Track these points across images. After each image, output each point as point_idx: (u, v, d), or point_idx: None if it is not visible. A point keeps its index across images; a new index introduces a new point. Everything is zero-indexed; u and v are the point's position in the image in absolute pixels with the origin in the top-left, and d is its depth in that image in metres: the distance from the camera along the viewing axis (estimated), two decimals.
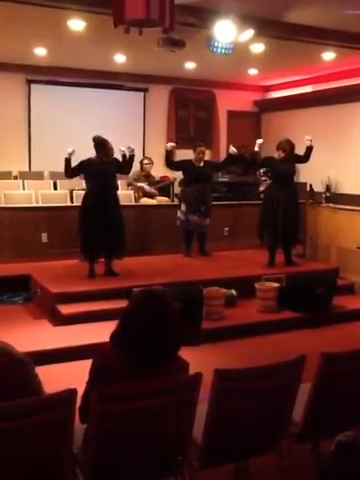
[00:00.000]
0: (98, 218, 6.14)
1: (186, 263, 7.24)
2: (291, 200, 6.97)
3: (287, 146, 6.96)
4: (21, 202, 7.90)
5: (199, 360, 3.43)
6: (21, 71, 10.06)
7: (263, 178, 9.91)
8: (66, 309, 5.50)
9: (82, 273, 6.34)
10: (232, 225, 8.44)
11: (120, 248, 6.34)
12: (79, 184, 8.17)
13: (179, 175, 8.27)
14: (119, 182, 9.21)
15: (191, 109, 11.92)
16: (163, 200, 8.99)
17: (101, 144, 6.23)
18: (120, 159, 6.45)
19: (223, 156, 10.03)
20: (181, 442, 2.55)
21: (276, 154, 7.06)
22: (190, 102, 11.84)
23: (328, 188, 9.65)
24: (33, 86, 10.40)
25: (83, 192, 6.67)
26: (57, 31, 7.23)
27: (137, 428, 2.37)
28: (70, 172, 6.41)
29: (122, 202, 6.81)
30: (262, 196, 7.88)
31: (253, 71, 10.27)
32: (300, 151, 7.10)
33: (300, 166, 8.62)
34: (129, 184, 8.92)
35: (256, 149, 7.15)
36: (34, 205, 7.99)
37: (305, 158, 7.11)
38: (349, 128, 9.89)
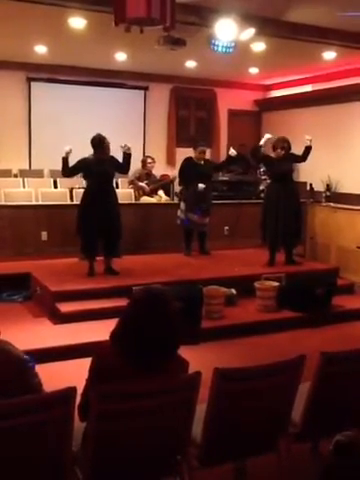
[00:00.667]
0: (97, 216, 6.14)
1: (186, 262, 7.23)
2: (292, 199, 6.99)
3: (286, 144, 6.98)
4: (21, 200, 7.90)
5: (199, 359, 3.42)
6: (21, 69, 10.05)
7: (263, 177, 9.92)
8: (66, 307, 5.51)
9: (82, 271, 6.34)
10: (232, 224, 8.43)
11: (116, 247, 6.33)
12: (79, 182, 8.16)
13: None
14: (120, 180, 9.28)
15: (192, 108, 11.91)
16: (164, 198, 9.00)
17: (99, 142, 6.22)
18: (121, 159, 6.42)
19: (223, 155, 10.04)
20: (180, 441, 2.55)
21: (274, 153, 7.07)
22: (191, 101, 11.83)
23: (328, 187, 9.63)
24: (33, 84, 10.38)
25: (83, 190, 6.67)
26: (58, 29, 7.22)
27: (136, 427, 2.37)
28: (68, 171, 6.38)
29: (122, 201, 6.78)
30: (262, 195, 7.87)
31: (254, 70, 10.27)
32: (299, 151, 7.11)
33: (300, 165, 8.61)
34: (131, 182, 8.91)
35: (261, 143, 7.17)
36: (34, 203, 7.97)
37: (302, 158, 7.12)
38: (350, 127, 9.88)
